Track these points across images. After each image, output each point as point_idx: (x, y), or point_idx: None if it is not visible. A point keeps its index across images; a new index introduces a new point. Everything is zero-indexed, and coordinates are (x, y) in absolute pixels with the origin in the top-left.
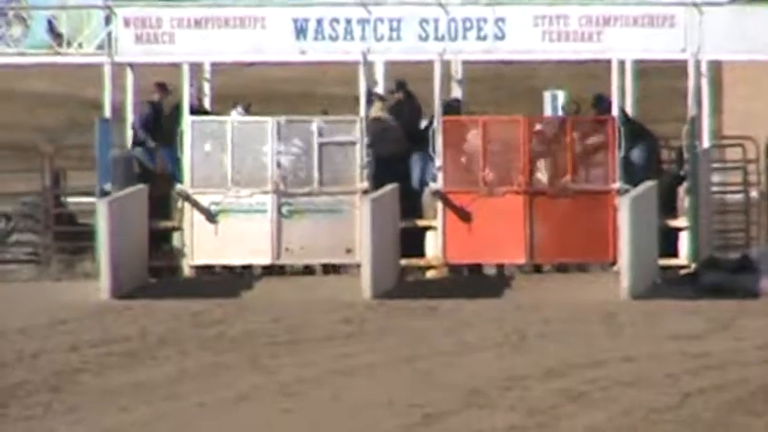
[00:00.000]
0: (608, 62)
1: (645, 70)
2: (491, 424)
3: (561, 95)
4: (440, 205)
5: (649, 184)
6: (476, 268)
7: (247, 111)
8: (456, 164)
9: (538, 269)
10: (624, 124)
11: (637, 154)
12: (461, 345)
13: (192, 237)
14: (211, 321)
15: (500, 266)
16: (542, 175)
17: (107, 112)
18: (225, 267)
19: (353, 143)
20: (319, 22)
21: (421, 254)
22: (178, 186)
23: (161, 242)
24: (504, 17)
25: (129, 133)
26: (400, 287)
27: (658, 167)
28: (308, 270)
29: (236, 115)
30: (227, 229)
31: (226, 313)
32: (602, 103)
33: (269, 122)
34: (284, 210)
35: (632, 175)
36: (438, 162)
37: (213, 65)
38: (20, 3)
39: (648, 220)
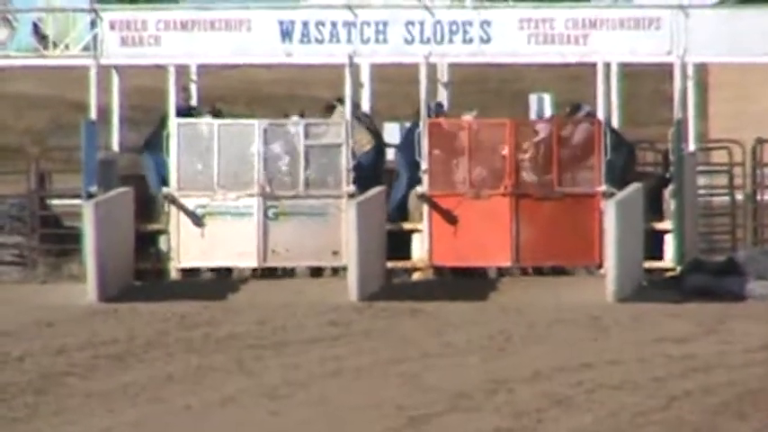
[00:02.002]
0: (594, 65)
1: (631, 73)
2: (477, 427)
3: (547, 98)
4: (426, 208)
5: (635, 186)
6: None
7: (216, 115)
8: (441, 166)
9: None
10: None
11: (615, 159)
12: (447, 347)
13: (178, 239)
14: (198, 324)
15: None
16: (528, 176)
17: (93, 115)
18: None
19: (339, 146)
20: (305, 24)
21: (407, 256)
22: (164, 189)
23: (147, 245)
24: (489, 20)
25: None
26: (386, 289)
27: (635, 172)
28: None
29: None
30: (213, 232)
31: (212, 316)
32: (578, 111)
33: (255, 125)
34: (270, 212)
35: (612, 181)
36: (423, 165)
37: (199, 67)
38: (5, 5)
39: (634, 223)
